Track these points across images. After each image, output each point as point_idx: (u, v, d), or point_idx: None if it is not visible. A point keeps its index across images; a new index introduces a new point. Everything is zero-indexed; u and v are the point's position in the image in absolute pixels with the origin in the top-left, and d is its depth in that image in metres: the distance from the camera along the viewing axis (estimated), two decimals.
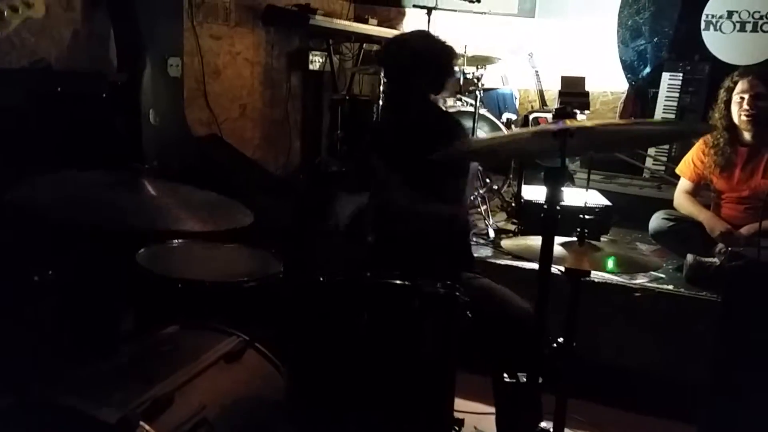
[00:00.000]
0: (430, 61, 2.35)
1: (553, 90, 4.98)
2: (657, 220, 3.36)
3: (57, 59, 3.01)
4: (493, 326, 2.06)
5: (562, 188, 1.56)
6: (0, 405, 1.46)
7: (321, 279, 1.70)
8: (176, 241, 2.35)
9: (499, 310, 2.18)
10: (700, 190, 3.32)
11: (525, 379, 1.66)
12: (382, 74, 2.53)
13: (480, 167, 4.08)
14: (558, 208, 1.55)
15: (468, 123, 4.12)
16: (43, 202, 1.65)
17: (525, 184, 3.75)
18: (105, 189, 1.74)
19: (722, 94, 3.19)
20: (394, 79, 2.42)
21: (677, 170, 3.41)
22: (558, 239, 1.68)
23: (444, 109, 3.97)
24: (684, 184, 3.35)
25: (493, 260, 3.29)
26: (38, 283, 1.93)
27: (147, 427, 1.41)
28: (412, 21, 5.57)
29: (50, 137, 2.56)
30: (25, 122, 2.54)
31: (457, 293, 1.66)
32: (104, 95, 2.85)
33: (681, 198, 3.33)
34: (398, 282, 1.67)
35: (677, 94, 4.59)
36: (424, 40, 2.45)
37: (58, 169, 1.81)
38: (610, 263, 1.82)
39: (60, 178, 1.78)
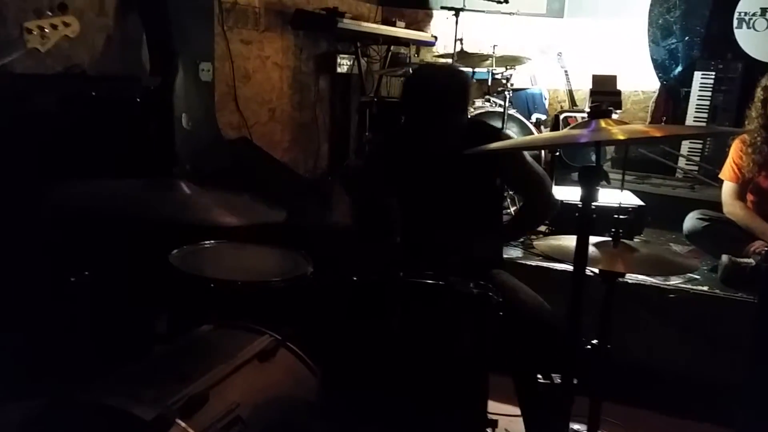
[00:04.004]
0: (454, 91, 2.29)
1: (582, 90, 4.94)
2: (691, 221, 3.30)
3: (91, 65, 3.06)
4: (516, 325, 2.04)
5: (597, 188, 1.54)
6: (37, 403, 1.49)
7: (354, 279, 1.70)
8: (208, 242, 2.38)
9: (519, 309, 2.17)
10: (746, 190, 3.18)
11: (559, 381, 1.64)
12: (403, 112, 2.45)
13: None
14: (592, 207, 1.54)
15: (497, 124, 4.10)
16: (80, 197, 1.69)
17: (556, 184, 3.72)
18: (141, 187, 1.78)
19: (759, 92, 3.13)
20: (421, 115, 2.33)
21: (720, 176, 3.31)
22: (591, 239, 1.66)
23: (473, 118, 3.95)
24: (729, 187, 3.22)
25: (523, 261, 3.27)
26: (75, 283, 1.96)
27: (183, 424, 1.43)
28: (440, 23, 5.56)
29: (85, 141, 2.60)
30: (61, 127, 2.59)
31: (490, 293, 1.66)
32: (138, 99, 2.88)
33: (734, 207, 3.17)
34: (431, 281, 1.67)
35: (710, 93, 4.52)
36: (443, 73, 2.42)
37: (92, 172, 1.85)
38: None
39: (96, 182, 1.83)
